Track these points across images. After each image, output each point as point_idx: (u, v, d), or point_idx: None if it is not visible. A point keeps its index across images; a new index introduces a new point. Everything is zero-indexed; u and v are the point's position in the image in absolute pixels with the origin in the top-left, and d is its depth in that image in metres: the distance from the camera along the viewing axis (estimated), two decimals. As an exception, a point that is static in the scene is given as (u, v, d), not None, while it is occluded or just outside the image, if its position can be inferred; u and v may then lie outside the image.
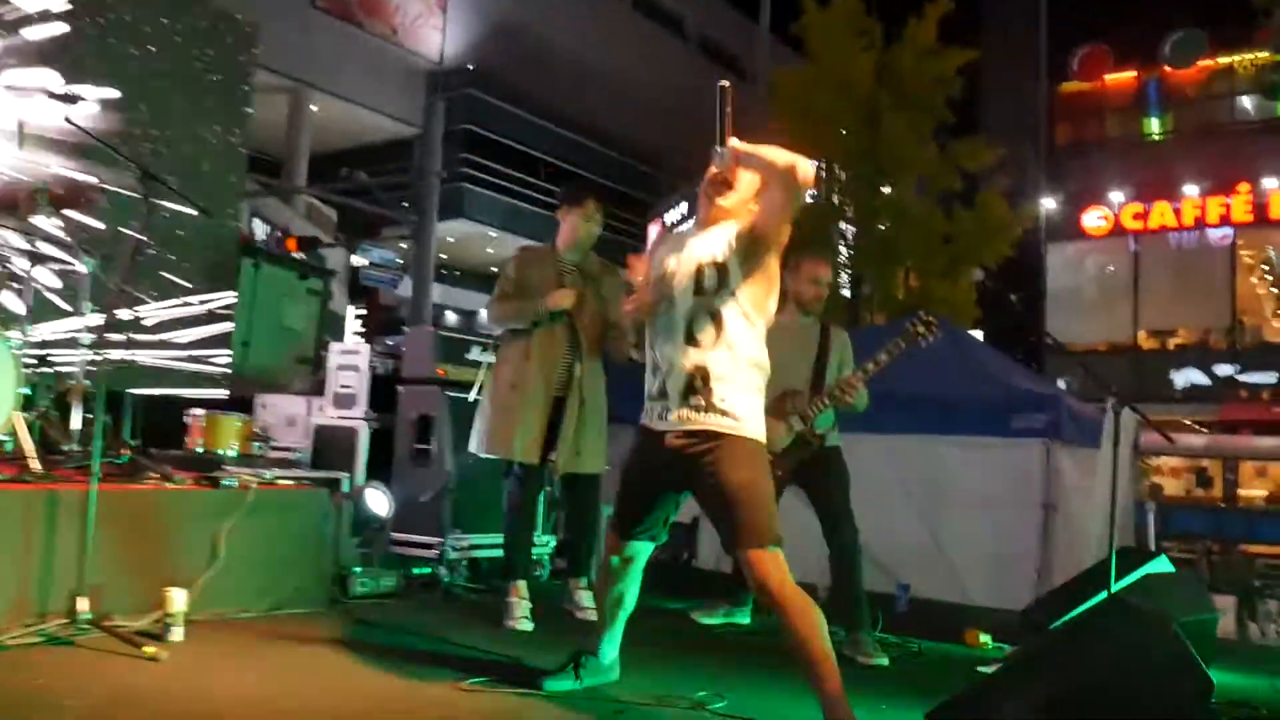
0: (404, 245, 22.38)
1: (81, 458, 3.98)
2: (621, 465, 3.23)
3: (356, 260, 20.91)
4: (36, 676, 3.04)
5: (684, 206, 19.59)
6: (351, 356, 5.42)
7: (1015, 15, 21.71)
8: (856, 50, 13.19)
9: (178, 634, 3.48)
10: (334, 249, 19.80)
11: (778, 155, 2.84)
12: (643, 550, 3.19)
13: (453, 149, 24.74)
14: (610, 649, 3.33)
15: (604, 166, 28.75)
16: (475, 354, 5.37)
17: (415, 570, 4.99)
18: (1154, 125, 22.01)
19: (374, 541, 4.82)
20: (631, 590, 3.26)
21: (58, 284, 4.84)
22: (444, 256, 27.53)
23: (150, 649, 3.30)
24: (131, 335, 5.03)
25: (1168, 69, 20.95)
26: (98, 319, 4.26)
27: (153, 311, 5.36)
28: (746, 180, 3.03)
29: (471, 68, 24.96)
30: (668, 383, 2.96)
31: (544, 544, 5.56)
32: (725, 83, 2.86)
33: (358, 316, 18.77)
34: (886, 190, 13.55)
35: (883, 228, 13.13)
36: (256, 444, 5.38)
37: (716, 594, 4.92)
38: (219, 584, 3.95)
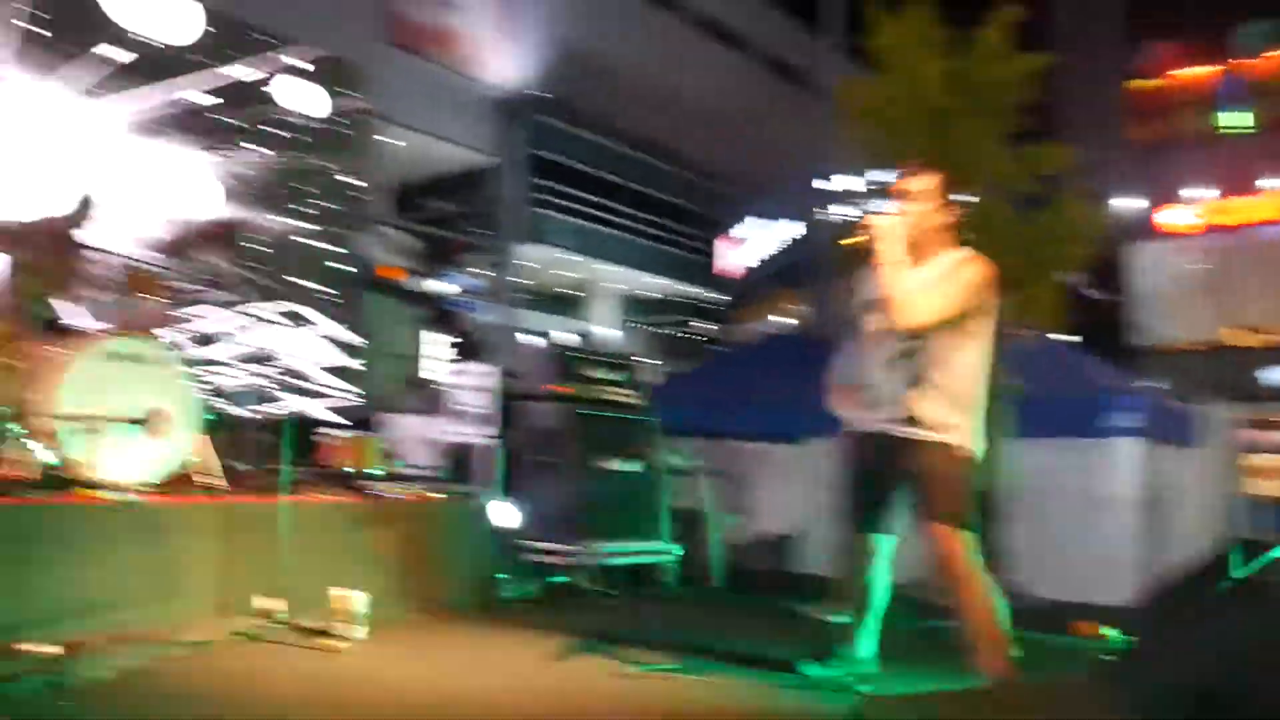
0: (482, 272, 22.92)
1: (256, 475, 4.38)
2: (847, 468, 3.54)
3: (437, 287, 21.44)
4: (239, 668, 3.39)
5: (750, 222, 19.80)
6: (475, 378, 5.77)
7: (1086, 16, 21.60)
8: (927, 58, 13.27)
9: (356, 632, 3.81)
10: (417, 278, 20.41)
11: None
12: (885, 544, 3.45)
13: (525, 175, 25.26)
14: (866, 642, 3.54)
15: (673, 185, 29.10)
16: (594, 371, 5.67)
17: (549, 578, 5.28)
18: (1229, 119, 21.73)
19: (509, 551, 5.12)
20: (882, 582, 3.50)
21: (224, 315, 5.26)
22: (521, 280, 28.01)
23: (333, 644, 3.66)
24: (285, 363, 5.42)
25: (1241, 62, 20.70)
26: (261, 348, 4.66)
27: (299, 340, 5.77)
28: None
29: (539, 94, 25.48)
30: (884, 396, 3.32)
31: (669, 553, 5.81)
32: None
33: (453, 344, 19.28)
34: (968, 199, 13.60)
35: (968, 237, 13.17)
36: (390, 461, 5.77)
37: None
38: (383, 587, 4.28)
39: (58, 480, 3.83)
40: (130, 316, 4.39)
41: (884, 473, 3.34)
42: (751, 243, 25.41)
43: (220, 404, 5.04)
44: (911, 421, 3.22)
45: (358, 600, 3.84)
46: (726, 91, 28.13)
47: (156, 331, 4.43)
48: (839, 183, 15.57)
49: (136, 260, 4.56)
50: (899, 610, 3.62)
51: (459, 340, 18.49)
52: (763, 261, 15.85)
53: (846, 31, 14.21)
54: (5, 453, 4.02)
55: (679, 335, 32.19)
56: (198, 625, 3.65)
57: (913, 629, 4.01)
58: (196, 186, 5.39)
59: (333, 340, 6.35)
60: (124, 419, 4.00)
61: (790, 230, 14.63)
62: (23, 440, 4.01)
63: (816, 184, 14.88)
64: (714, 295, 28.33)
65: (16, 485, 3.73)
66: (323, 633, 3.76)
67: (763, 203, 26.79)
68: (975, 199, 13.46)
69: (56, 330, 4.33)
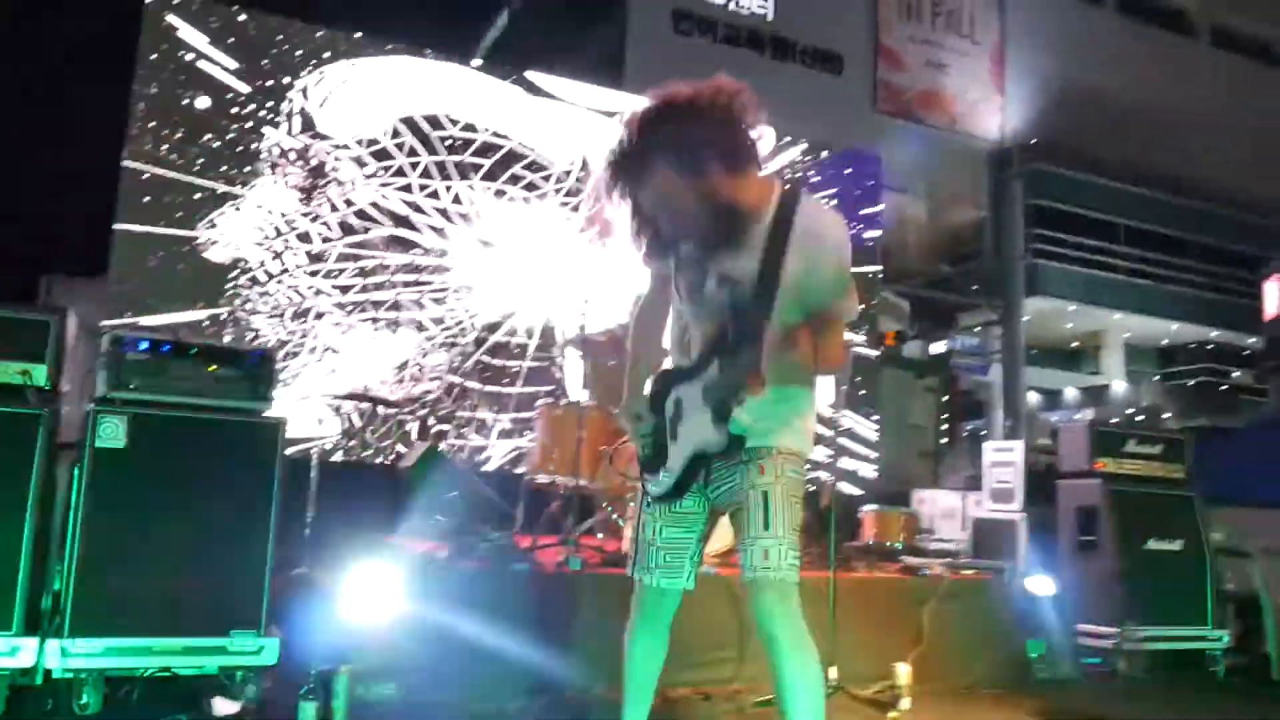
0: (978, 329, 22.51)
1: (803, 548, 4.82)
2: None
3: (936, 349, 21.39)
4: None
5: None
6: (1006, 453, 5.83)
7: None
8: None
9: (905, 703, 4.07)
10: (913, 341, 20.57)
11: None
12: None
13: (1022, 226, 24.46)
14: None
15: (1196, 222, 26.55)
16: (1132, 446, 5.49)
17: (1087, 660, 5.17)
18: None
19: (1048, 629, 5.09)
20: None
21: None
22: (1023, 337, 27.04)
23: (893, 715, 3.94)
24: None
25: None
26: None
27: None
28: None
29: (1035, 142, 24.61)
30: None
31: (1218, 640, 5.41)
32: None
33: (952, 406, 19.24)
34: None
35: None
36: (919, 536, 5.99)
37: None
38: (925, 661, 4.50)
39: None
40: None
41: None
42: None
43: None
44: None
45: (902, 671, 4.11)
46: (1252, 109, 25.26)
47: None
48: None
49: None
50: None
51: (961, 402, 18.38)
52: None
53: None
54: (607, 529, 4.86)
55: (1208, 385, 29.02)
56: (764, 686, 4.11)
57: None
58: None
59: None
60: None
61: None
62: (618, 518, 4.81)
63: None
64: (1251, 341, 25.30)
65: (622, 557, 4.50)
66: (875, 701, 4.07)
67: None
68: None
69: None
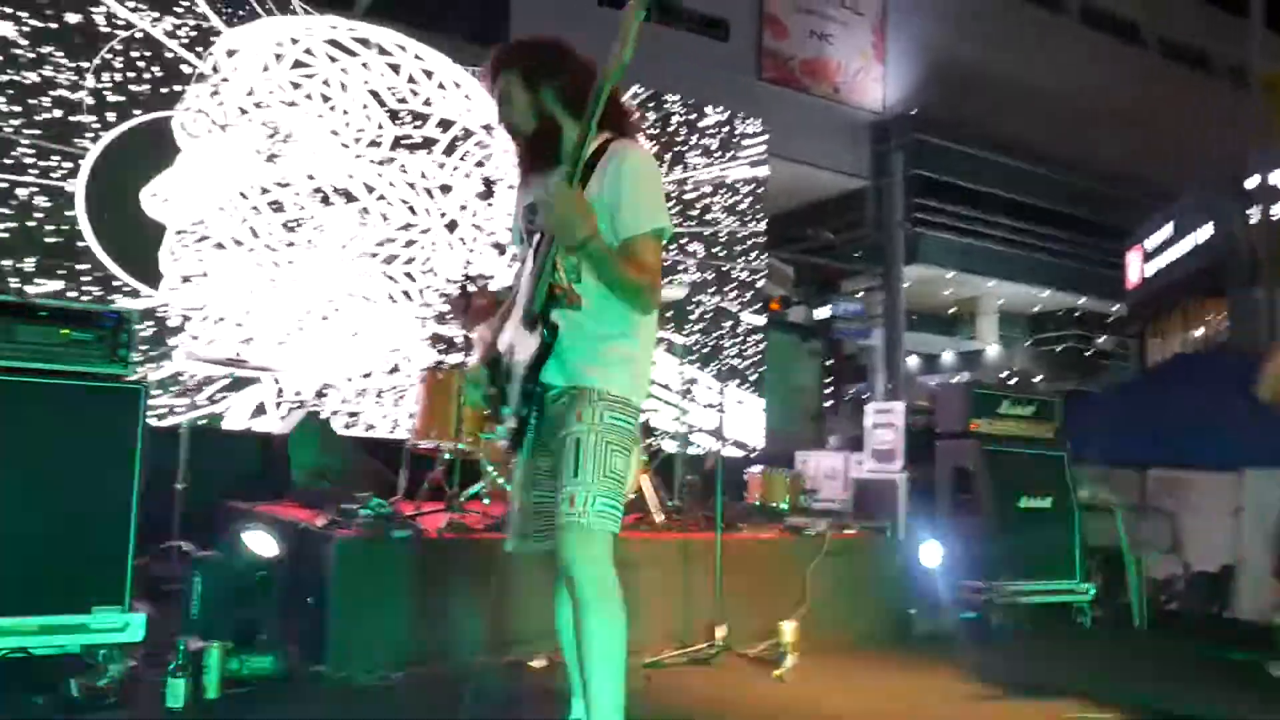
0: (860, 295, 23.05)
1: (689, 510, 4.86)
2: None
3: (820, 314, 21.76)
4: (690, 690, 3.79)
5: (1168, 228, 18.30)
6: (887, 415, 5.94)
7: None
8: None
9: (790, 660, 4.12)
10: (797, 306, 20.92)
11: None
12: None
13: (903, 195, 25.03)
14: None
15: (1064, 193, 27.52)
16: (1005, 408, 5.66)
17: (962, 615, 5.34)
18: None
19: (922, 586, 5.24)
20: None
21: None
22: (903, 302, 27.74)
23: (777, 672, 3.99)
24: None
25: None
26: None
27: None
28: None
29: (915, 113, 25.17)
30: None
31: (1083, 592, 5.64)
32: None
33: (825, 367, 19.63)
34: None
35: None
36: (803, 496, 6.07)
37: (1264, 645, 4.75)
38: (808, 618, 4.57)
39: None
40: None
41: None
42: (1163, 250, 23.41)
43: (652, 442, 5.61)
44: None
45: (787, 629, 4.16)
46: (1120, 86, 26.28)
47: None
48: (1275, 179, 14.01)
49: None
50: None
51: (841, 366, 18.74)
52: (1165, 269, 14.75)
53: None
54: (491, 494, 4.79)
55: (1074, 351, 30.30)
56: (653, 647, 4.12)
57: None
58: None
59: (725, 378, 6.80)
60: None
61: (1204, 233, 13.48)
62: (503, 482, 4.74)
63: (1247, 183, 13.56)
64: (1115, 308, 26.48)
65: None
66: (761, 660, 4.12)
67: (1173, 205, 24.64)
68: None
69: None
